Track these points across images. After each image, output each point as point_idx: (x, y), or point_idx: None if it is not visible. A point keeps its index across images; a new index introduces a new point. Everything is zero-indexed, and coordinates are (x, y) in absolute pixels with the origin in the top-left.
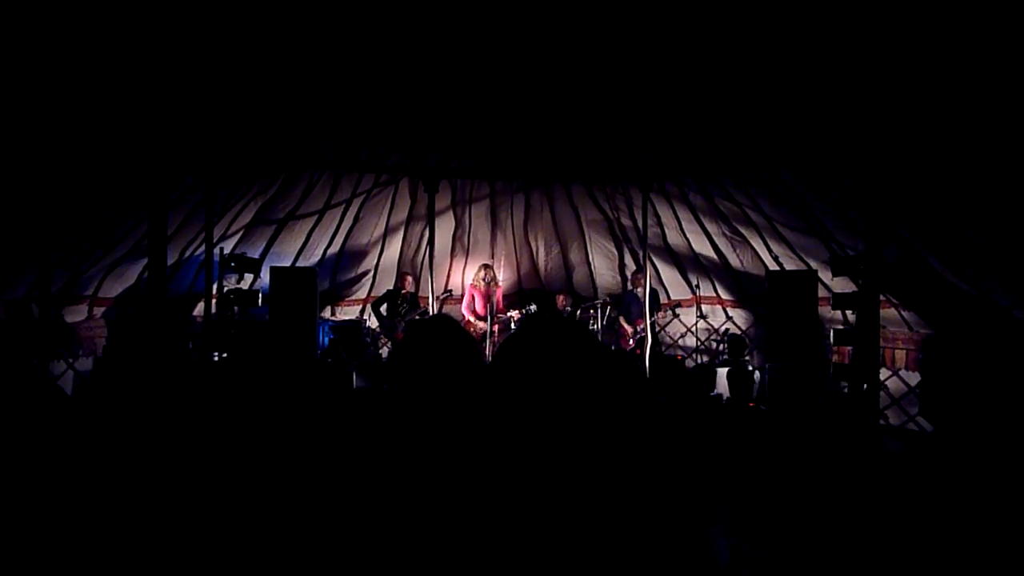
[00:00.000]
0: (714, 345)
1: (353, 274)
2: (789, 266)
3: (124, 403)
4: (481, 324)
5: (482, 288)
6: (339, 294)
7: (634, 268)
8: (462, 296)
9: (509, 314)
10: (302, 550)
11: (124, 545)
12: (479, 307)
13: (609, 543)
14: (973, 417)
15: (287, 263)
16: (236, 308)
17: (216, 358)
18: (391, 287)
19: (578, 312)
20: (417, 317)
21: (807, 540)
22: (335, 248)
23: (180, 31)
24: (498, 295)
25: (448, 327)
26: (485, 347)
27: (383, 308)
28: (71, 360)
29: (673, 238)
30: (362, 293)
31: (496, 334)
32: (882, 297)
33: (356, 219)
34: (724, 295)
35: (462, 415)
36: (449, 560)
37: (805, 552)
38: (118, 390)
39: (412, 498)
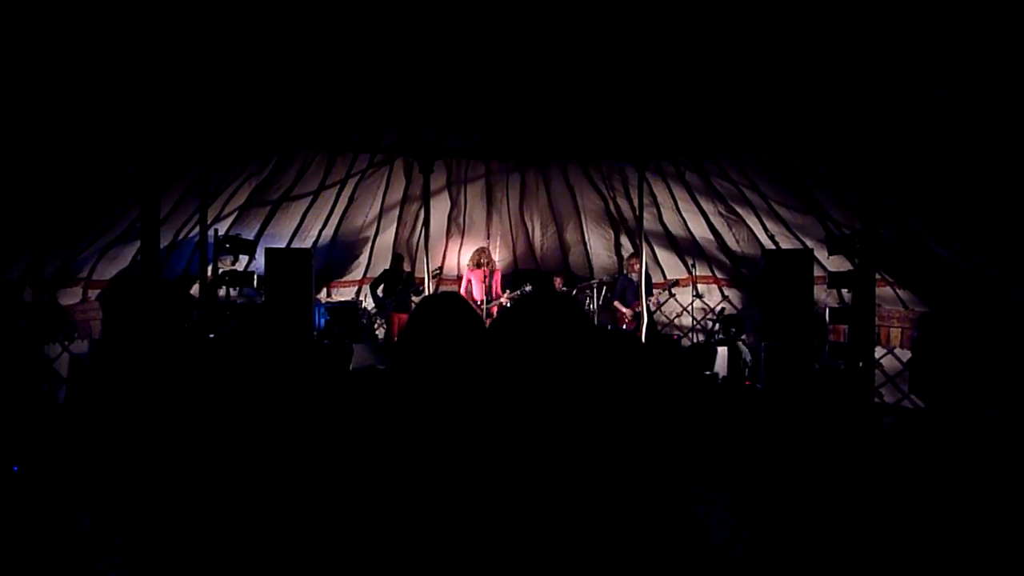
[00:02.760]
0: (710, 324)
1: (349, 255)
2: (785, 245)
3: (122, 387)
4: (479, 307)
5: (478, 272)
6: (335, 275)
7: (631, 249)
8: (457, 278)
9: (501, 299)
10: (303, 538)
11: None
12: (476, 292)
13: (604, 521)
14: (965, 394)
15: (282, 244)
16: (227, 289)
17: (211, 337)
18: (387, 268)
19: (574, 292)
20: (413, 296)
21: (801, 517)
22: (330, 229)
23: (171, 12)
24: (496, 278)
25: (456, 304)
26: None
27: (380, 289)
28: (66, 343)
29: (669, 218)
30: (358, 274)
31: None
32: (878, 275)
33: (351, 200)
34: (720, 274)
35: (464, 393)
36: (449, 535)
37: (799, 529)
38: (115, 373)
39: (412, 481)
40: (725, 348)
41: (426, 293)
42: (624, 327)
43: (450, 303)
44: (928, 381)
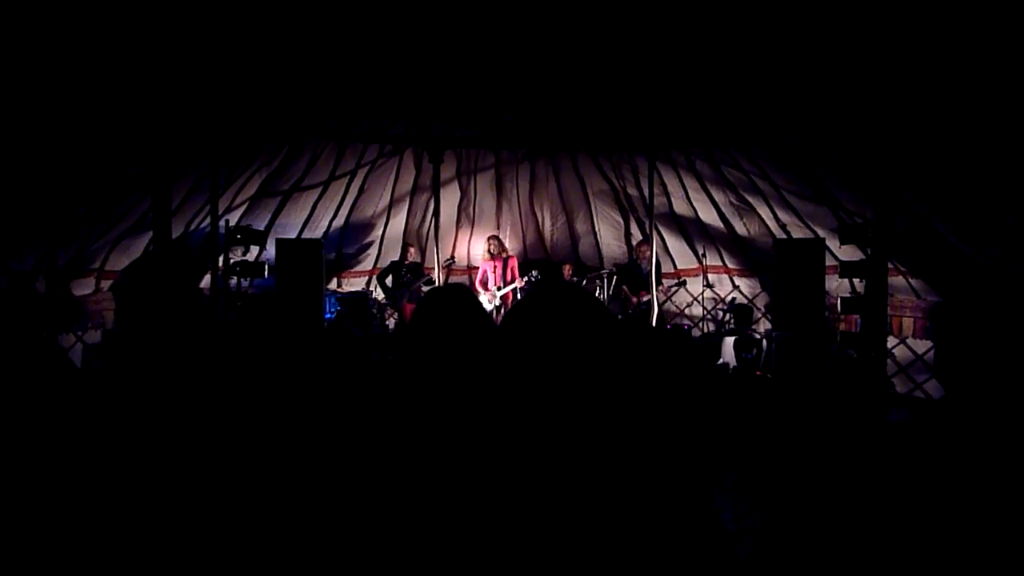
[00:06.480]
0: (720, 314)
1: (359, 245)
2: (796, 234)
3: (137, 375)
4: (491, 297)
5: (493, 260)
6: (345, 265)
7: (640, 238)
8: (468, 268)
9: (517, 284)
10: (307, 536)
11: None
12: (491, 282)
13: (619, 512)
14: (991, 382)
15: (292, 235)
16: (239, 279)
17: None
18: (396, 259)
19: (583, 282)
20: (423, 287)
21: (811, 508)
22: (340, 219)
23: (182, 5)
24: (512, 264)
25: (462, 296)
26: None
27: (388, 280)
28: (80, 333)
29: (679, 207)
30: (368, 264)
31: (510, 305)
32: (890, 265)
33: (361, 190)
34: (730, 264)
35: (472, 386)
36: (453, 533)
37: (810, 520)
38: (129, 361)
39: (418, 476)
40: (732, 338)
41: (436, 283)
42: (631, 311)
43: (456, 295)
44: (955, 369)
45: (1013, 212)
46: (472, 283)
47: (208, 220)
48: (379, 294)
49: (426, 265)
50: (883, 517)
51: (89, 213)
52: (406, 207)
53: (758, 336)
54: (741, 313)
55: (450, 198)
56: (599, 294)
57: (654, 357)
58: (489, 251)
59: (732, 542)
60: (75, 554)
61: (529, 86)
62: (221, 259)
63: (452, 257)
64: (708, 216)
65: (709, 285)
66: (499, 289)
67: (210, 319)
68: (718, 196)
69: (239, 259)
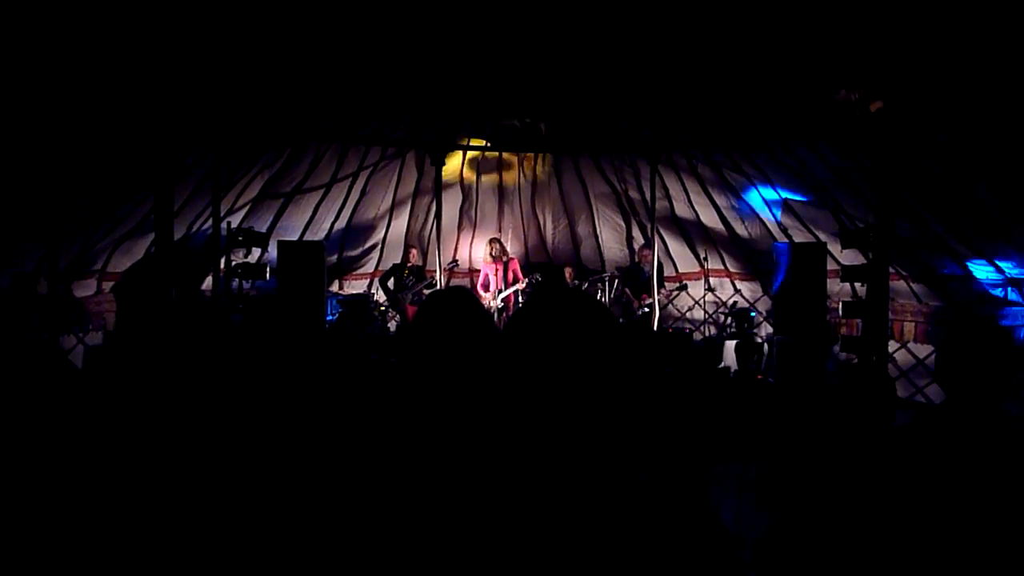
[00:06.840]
0: (722, 318)
1: (361, 248)
2: (798, 238)
3: (137, 379)
4: (492, 300)
5: (494, 262)
6: (347, 268)
7: (642, 241)
8: (469, 271)
9: (519, 285)
10: (307, 538)
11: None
12: (493, 285)
13: (620, 515)
14: (990, 387)
15: (294, 237)
16: (240, 281)
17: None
18: (397, 261)
19: (585, 285)
20: (425, 289)
21: (814, 511)
22: (342, 222)
23: (184, 6)
24: (514, 266)
25: (464, 299)
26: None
27: (390, 283)
28: (81, 335)
29: (681, 210)
30: (370, 267)
31: (511, 308)
32: (891, 269)
33: (363, 192)
34: (732, 267)
35: (473, 389)
36: (452, 535)
37: (812, 522)
38: (130, 364)
39: (419, 478)
40: (733, 342)
41: (438, 286)
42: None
43: (457, 298)
44: (953, 373)
45: (1014, 215)
46: (473, 286)
47: (210, 222)
48: (381, 296)
49: (428, 268)
50: (885, 519)
51: (91, 214)
52: (408, 210)
53: (759, 340)
54: (742, 317)
55: (452, 201)
56: (601, 297)
57: (656, 361)
58: (491, 254)
59: (734, 545)
60: (75, 555)
61: (531, 90)
62: (223, 261)
63: (455, 260)
64: (709, 219)
65: (711, 289)
66: (500, 292)
67: (211, 321)
68: (719, 199)
69: (241, 261)
